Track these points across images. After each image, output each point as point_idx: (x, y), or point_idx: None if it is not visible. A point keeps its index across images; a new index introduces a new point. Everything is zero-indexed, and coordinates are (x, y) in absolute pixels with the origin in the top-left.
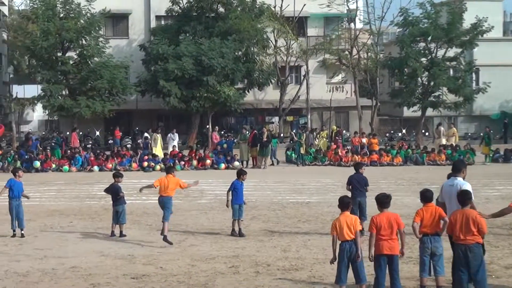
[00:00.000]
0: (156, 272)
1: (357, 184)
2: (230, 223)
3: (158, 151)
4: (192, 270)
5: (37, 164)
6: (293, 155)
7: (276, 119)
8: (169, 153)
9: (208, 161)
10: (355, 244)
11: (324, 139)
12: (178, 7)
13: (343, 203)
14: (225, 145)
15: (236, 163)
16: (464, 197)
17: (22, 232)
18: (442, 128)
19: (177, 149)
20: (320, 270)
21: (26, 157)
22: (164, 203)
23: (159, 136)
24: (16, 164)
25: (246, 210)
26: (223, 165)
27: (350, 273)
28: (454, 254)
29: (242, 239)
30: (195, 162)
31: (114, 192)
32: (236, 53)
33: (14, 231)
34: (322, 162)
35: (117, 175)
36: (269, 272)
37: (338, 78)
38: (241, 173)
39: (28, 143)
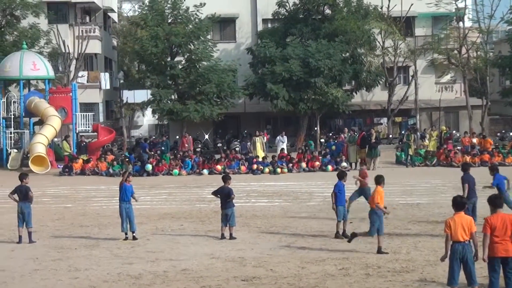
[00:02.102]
0: (267, 275)
1: (472, 184)
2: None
3: (257, 153)
4: (302, 272)
5: (149, 167)
6: (403, 156)
7: (384, 120)
8: (277, 155)
9: (317, 163)
10: (474, 246)
11: (434, 139)
12: (285, 10)
13: (458, 203)
14: (333, 147)
15: (344, 164)
16: None
17: (134, 234)
18: None
19: (285, 151)
20: (431, 272)
21: (136, 161)
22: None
23: (258, 139)
24: (127, 169)
25: (356, 212)
26: (330, 167)
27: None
28: None
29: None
30: (303, 164)
31: (225, 194)
32: (343, 55)
33: (126, 234)
34: (431, 163)
35: (226, 178)
36: (379, 274)
37: (447, 78)
38: (343, 175)
39: (138, 148)
